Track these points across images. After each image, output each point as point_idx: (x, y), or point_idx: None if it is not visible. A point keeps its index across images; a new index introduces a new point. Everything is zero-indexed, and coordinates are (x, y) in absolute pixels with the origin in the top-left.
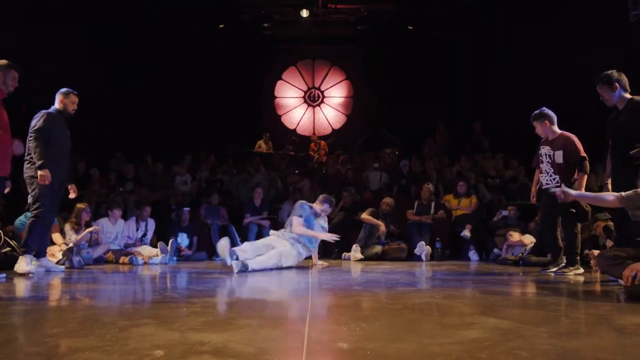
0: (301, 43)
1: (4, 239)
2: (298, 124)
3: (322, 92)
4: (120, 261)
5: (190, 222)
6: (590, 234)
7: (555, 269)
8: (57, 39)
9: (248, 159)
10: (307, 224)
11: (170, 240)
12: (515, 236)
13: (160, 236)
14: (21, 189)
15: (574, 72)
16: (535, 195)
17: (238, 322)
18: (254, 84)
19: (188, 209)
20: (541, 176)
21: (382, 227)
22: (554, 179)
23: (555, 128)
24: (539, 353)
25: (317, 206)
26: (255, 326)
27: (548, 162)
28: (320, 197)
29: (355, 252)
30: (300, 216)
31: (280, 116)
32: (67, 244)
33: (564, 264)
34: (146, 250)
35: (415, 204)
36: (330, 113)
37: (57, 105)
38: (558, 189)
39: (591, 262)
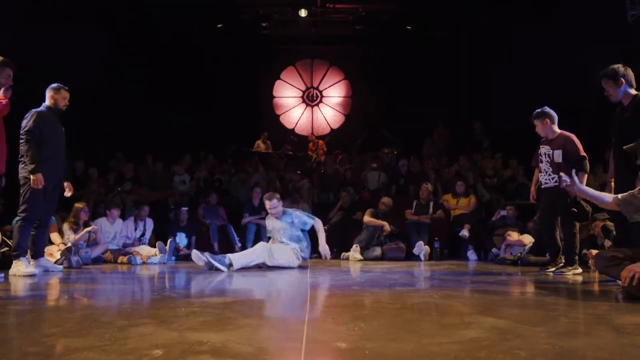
0: (300, 43)
1: (2, 238)
2: (296, 123)
3: (321, 92)
4: (119, 261)
5: (188, 221)
6: (588, 234)
7: (553, 269)
8: (57, 39)
9: (247, 158)
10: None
11: (169, 240)
12: (513, 236)
13: (159, 236)
14: (20, 189)
15: (573, 72)
16: (534, 194)
17: (237, 322)
18: (252, 84)
19: (186, 208)
20: (540, 175)
21: (387, 226)
22: (553, 179)
23: (556, 127)
24: (538, 353)
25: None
26: (254, 326)
27: (547, 161)
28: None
29: (355, 252)
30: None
31: (278, 116)
32: (65, 244)
33: (562, 264)
34: (144, 250)
35: (414, 204)
36: (329, 113)
37: (47, 101)
38: (564, 175)
39: (589, 261)
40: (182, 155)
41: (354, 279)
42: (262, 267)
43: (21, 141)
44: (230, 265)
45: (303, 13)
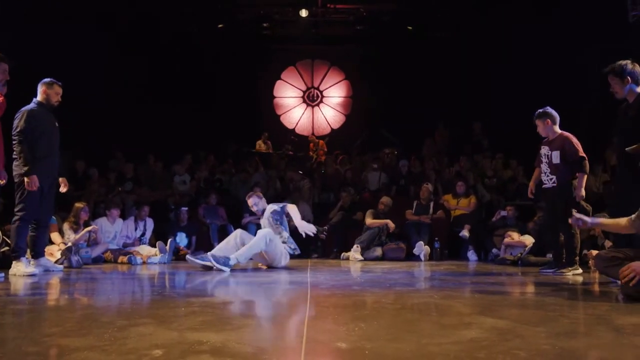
0: (300, 43)
1: (2, 238)
2: (297, 123)
3: (321, 92)
4: (119, 261)
5: (188, 221)
6: (588, 234)
7: (553, 269)
8: (57, 39)
9: (247, 158)
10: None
11: (169, 240)
12: (514, 236)
13: (159, 236)
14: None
15: (573, 72)
16: (532, 190)
17: (237, 322)
18: (253, 84)
19: (186, 208)
20: (541, 176)
21: (391, 223)
22: (551, 179)
23: (556, 128)
24: (537, 353)
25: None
26: (254, 326)
27: (546, 162)
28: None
29: (356, 252)
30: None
31: (279, 116)
32: (65, 244)
33: (562, 264)
34: (145, 249)
35: (414, 204)
36: (329, 113)
37: (39, 96)
38: (574, 218)
39: (590, 262)
40: (182, 155)
41: (354, 279)
42: (262, 267)
43: (14, 142)
44: (236, 264)
45: (304, 13)
